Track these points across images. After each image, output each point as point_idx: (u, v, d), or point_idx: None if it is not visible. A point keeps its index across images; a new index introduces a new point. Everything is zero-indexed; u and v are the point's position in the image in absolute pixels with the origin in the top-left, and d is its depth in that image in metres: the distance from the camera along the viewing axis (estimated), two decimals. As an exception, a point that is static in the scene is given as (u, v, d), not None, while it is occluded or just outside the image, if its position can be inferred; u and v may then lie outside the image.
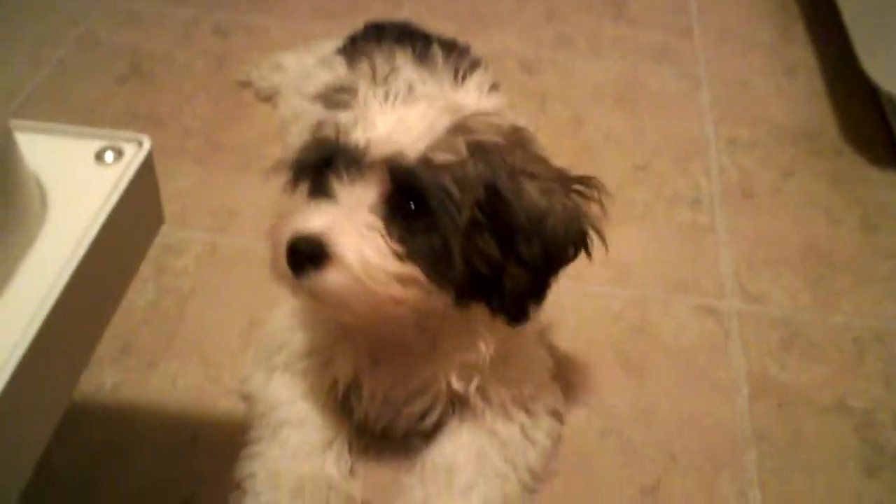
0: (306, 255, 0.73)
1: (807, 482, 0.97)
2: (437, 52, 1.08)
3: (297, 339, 0.95)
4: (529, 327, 0.95)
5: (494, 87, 1.10)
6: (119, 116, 1.37)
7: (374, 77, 0.84)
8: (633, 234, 1.24)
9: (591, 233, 0.81)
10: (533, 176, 0.78)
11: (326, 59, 1.22)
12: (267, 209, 1.21)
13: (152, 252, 1.16)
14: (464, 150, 0.75)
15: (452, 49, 1.13)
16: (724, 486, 0.96)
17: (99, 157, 0.57)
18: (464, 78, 1.07)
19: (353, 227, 0.74)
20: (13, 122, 0.55)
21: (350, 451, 0.94)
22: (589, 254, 0.82)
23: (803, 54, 1.60)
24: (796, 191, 1.33)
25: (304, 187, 0.83)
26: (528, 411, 0.95)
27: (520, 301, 0.80)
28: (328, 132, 0.78)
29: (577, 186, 0.81)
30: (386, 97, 0.78)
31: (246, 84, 1.45)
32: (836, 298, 1.17)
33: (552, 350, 1.04)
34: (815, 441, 1.01)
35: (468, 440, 0.92)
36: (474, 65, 1.11)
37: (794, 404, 1.04)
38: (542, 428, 0.95)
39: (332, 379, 0.94)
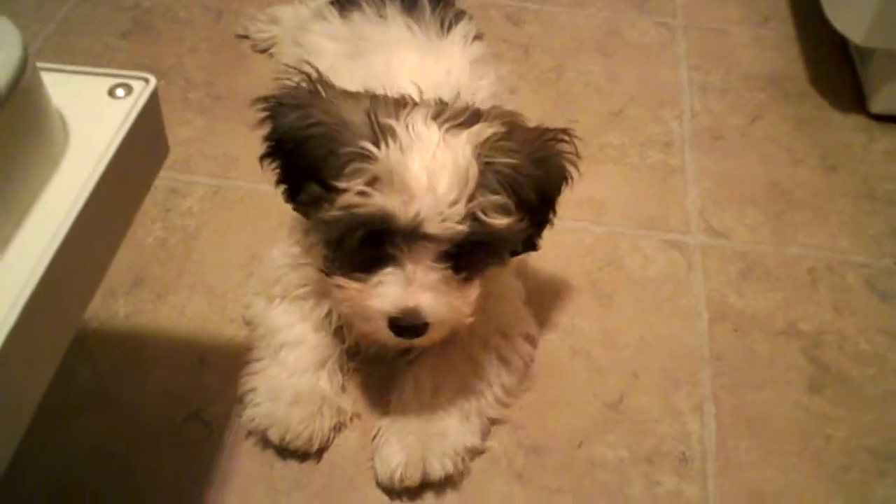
0: (408, 329, 0.86)
1: (756, 397, 1.07)
2: (424, 3, 1.16)
3: (293, 275, 1.05)
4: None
5: (478, 37, 1.19)
6: (123, 69, 1.44)
7: (377, 130, 0.82)
8: (607, 175, 1.33)
9: (571, 170, 0.92)
10: (529, 157, 0.86)
11: (320, 10, 1.30)
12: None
13: (159, 195, 1.25)
14: (499, 189, 0.83)
15: (439, 1, 1.20)
16: (680, 401, 1.06)
17: (111, 92, 0.65)
18: (449, 28, 1.15)
19: (431, 287, 0.84)
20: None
21: (342, 370, 1.04)
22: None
23: (777, 3, 1.67)
24: (762, 134, 1.41)
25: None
26: (504, 336, 1.05)
27: (531, 242, 0.94)
28: (364, 206, 0.81)
29: (556, 139, 0.91)
30: (410, 153, 0.80)
31: (244, 37, 1.52)
32: (793, 232, 1.26)
33: (528, 279, 1.13)
34: (766, 361, 1.11)
35: (448, 364, 1.02)
36: (459, 16, 1.19)
37: (749, 328, 1.14)
38: (517, 351, 1.06)
39: (326, 309, 1.04)
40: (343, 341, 1.05)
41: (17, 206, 0.58)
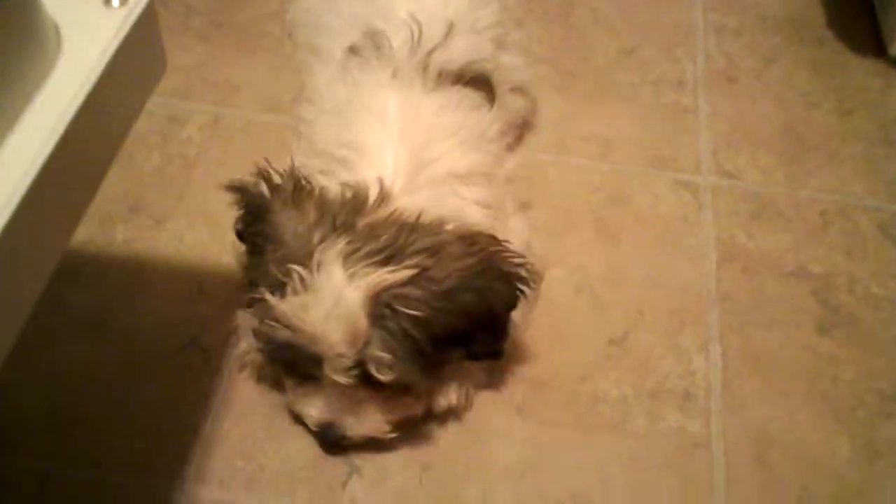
0: (332, 439, 0.91)
1: (764, 338, 1.05)
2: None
3: None
4: (508, 204, 1.04)
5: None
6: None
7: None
8: (616, 113, 1.29)
9: (522, 287, 0.89)
10: (456, 289, 0.83)
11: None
12: (267, 86, 1.28)
13: (157, 122, 1.23)
14: (394, 339, 0.81)
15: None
16: (686, 340, 1.04)
17: (106, 1, 0.62)
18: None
19: (347, 407, 0.89)
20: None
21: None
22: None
23: (797, -55, 1.62)
24: (778, 77, 1.37)
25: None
26: None
27: (492, 352, 0.92)
28: (276, 331, 0.83)
29: (493, 257, 0.87)
30: (309, 299, 0.80)
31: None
32: (806, 175, 1.23)
33: (532, 214, 1.11)
34: (775, 302, 1.08)
35: None
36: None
37: (758, 269, 1.12)
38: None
39: None
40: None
41: (7, 111, 0.56)
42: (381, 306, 0.80)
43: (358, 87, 1.02)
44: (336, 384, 0.85)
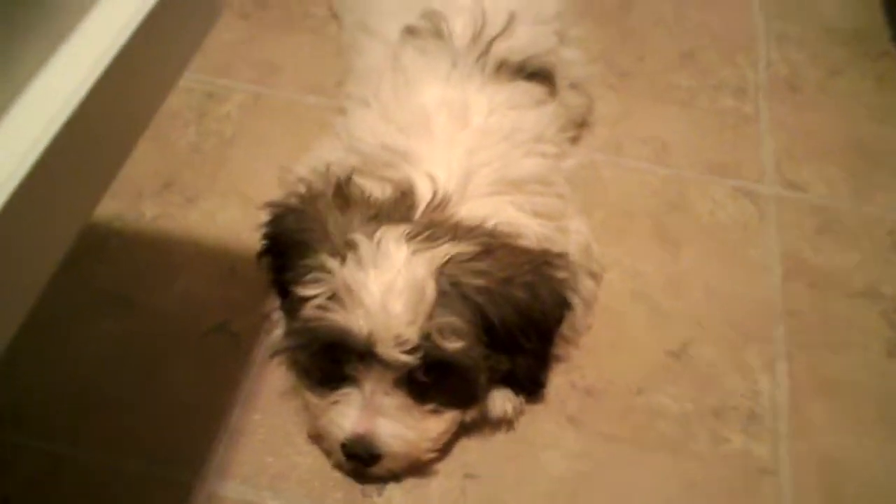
0: (361, 457, 0.80)
1: (833, 359, 0.98)
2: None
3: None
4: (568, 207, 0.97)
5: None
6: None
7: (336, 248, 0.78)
8: (673, 116, 1.23)
9: (569, 297, 0.85)
10: (510, 280, 0.78)
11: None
12: (311, 68, 1.22)
13: (194, 99, 1.17)
14: (461, 311, 0.75)
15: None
16: (751, 357, 0.97)
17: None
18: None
19: (388, 414, 0.79)
20: None
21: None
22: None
23: (861, -42, 1.56)
24: (842, 89, 1.31)
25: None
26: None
27: (534, 378, 0.87)
28: (320, 321, 0.77)
29: (549, 263, 0.83)
30: (369, 270, 0.75)
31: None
32: (873, 192, 1.16)
33: (589, 215, 1.04)
34: (844, 322, 1.01)
35: None
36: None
37: (825, 286, 1.04)
38: (581, 286, 0.96)
39: None
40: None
41: (50, 31, 0.50)
42: (445, 280, 0.75)
43: (411, 76, 0.95)
44: (376, 391, 0.78)
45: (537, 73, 1.01)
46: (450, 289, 0.75)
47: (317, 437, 0.85)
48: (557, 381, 0.92)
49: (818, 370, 0.96)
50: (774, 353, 0.97)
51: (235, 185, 1.07)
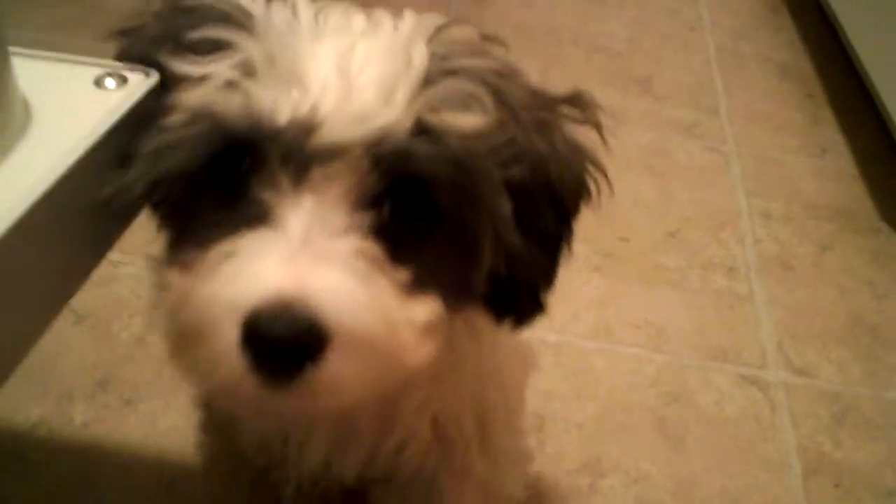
0: (287, 347, 0.41)
1: (873, 574, 0.84)
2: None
3: None
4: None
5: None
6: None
7: None
8: (665, 299, 1.14)
9: (593, 170, 0.55)
10: (518, 112, 0.50)
11: None
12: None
13: (143, 286, 1.06)
14: (483, 95, 0.47)
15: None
16: (779, 574, 0.83)
17: (98, 82, 0.48)
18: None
19: (336, 261, 0.43)
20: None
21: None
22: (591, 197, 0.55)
23: (834, 136, 1.55)
24: (837, 265, 1.24)
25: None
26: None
27: (534, 289, 0.55)
28: (222, 105, 0.45)
29: (565, 109, 0.55)
30: (296, 33, 0.46)
31: None
32: (888, 374, 1.06)
33: (583, 405, 0.92)
34: (880, 529, 0.88)
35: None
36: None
37: (853, 485, 0.92)
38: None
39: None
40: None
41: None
42: (438, 59, 0.47)
43: None
44: (312, 222, 0.43)
45: None
46: (446, 65, 0.47)
47: (184, 343, 0.45)
48: None
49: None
50: (808, 571, 0.83)
51: (181, 382, 0.94)
